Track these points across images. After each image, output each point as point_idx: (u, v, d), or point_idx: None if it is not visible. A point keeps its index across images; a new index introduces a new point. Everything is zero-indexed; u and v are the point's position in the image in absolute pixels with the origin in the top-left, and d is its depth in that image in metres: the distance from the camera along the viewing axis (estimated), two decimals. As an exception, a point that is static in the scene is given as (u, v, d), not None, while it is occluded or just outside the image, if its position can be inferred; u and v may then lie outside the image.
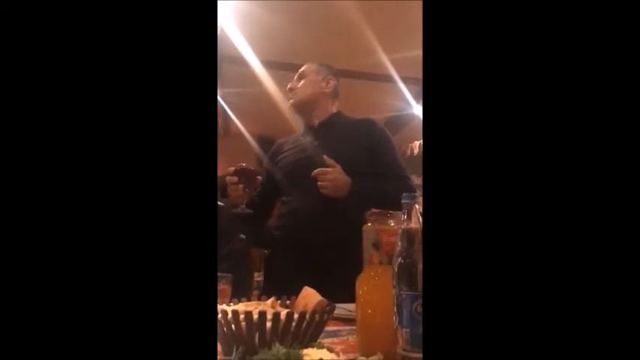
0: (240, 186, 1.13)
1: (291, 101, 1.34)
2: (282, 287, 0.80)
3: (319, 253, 1.19)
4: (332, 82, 1.38)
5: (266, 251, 1.52)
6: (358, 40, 2.55)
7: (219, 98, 3.37)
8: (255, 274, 1.53)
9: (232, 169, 1.15)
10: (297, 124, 1.45)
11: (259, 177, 1.17)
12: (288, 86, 1.36)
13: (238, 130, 3.54)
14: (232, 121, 3.61)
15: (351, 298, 0.71)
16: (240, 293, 0.82)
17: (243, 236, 1.30)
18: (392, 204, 0.65)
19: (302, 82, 1.35)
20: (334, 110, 1.39)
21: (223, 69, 3.07)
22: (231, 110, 3.53)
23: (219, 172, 1.46)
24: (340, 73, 1.45)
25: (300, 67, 1.40)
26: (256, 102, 3.24)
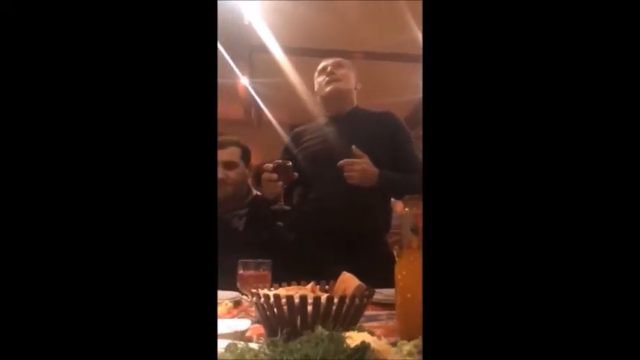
0: (280, 183, 1.15)
1: (332, 86, 1.32)
2: (310, 272, 0.82)
3: (344, 239, 1.21)
4: (359, 85, 1.41)
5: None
6: (390, 20, 2.49)
7: (249, 88, 3.42)
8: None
9: (270, 165, 1.16)
10: (318, 111, 1.45)
11: (296, 173, 1.19)
12: (329, 69, 1.33)
13: (268, 119, 3.59)
14: (263, 111, 3.66)
15: (379, 283, 0.72)
16: (280, 279, 0.84)
17: (280, 224, 1.33)
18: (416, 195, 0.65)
19: (342, 71, 1.35)
20: (355, 102, 1.41)
21: (253, 59, 3.10)
22: (262, 100, 3.58)
23: (256, 162, 1.50)
24: (369, 56, 1.44)
25: (326, 52, 1.41)
26: (285, 91, 3.26)
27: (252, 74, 3.29)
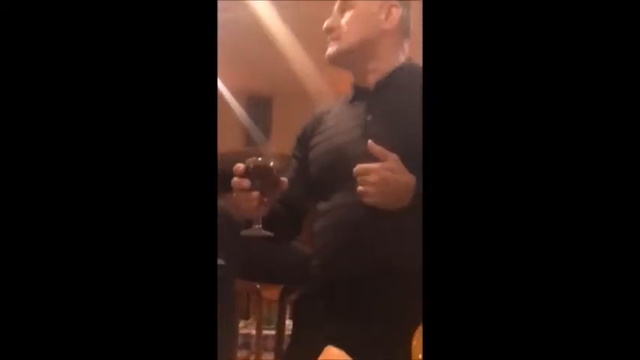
0: (255, 193, 1.01)
1: (330, 50, 1.17)
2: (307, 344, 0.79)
3: (362, 292, 1.05)
4: (395, 12, 1.17)
5: (258, 286, 1.49)
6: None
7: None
8: (241, 323, 1.46)
9: (241, 166, 1.01)
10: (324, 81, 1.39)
11: (284, 179, 1.04)
12: (326, 24, 1.17)
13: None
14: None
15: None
16: (220, 350, 0.81)
17: (221, 262, 1.22)
18: None
19: (347, 16, 1.17)
20: (402, 58, 1.21)
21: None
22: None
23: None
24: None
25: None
26: (243, 38, 3.19)
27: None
